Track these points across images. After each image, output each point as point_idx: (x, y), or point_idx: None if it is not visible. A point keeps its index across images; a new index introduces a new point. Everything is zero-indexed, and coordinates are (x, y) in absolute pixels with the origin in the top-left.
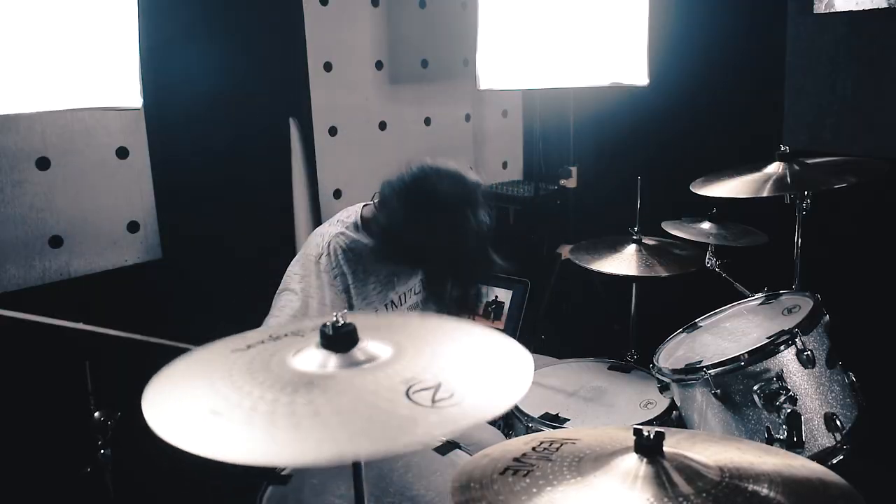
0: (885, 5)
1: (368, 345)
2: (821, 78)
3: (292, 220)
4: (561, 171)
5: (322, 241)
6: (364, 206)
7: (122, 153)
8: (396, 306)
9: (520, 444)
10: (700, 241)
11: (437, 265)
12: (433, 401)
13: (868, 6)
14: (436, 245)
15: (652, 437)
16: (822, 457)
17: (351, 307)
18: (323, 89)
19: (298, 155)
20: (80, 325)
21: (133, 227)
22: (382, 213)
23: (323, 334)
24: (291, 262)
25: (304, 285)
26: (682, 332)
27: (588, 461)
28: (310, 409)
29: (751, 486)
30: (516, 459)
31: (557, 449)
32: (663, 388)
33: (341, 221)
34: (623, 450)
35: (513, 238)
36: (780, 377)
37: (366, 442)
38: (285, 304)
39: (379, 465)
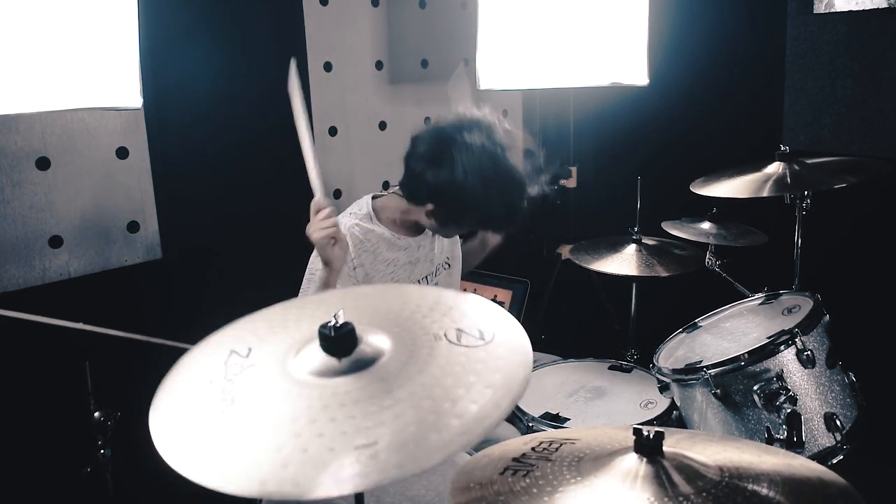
0: (885, 5)
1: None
2: (821, 78)
3: (292, 219)
4: (561, 171)
5: None
6: (373, 196)
7: (122, 153)
8: None
9: (519, 444)
10: (700, 241)
11: (455, 209)
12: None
13: (868, 6)
14: (454, 185)
15: (652, 436)
16: (822, 457)
17: None
18: (323, 89)
19: (299, 100)
20: (80, 325)
21: (133, 227)
22: (409, 154)
23: (322, 336)
24: (311, 258)
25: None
26: (682, 332)
27: (588, 461)
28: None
29: (751, 486)
30: (516, 460)
31: (557, 449)
32: (663, 388)
33: (354, 214)
34: (623, 450)
35: (513, 238)
36: (780, 377)
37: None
38: None
39: None
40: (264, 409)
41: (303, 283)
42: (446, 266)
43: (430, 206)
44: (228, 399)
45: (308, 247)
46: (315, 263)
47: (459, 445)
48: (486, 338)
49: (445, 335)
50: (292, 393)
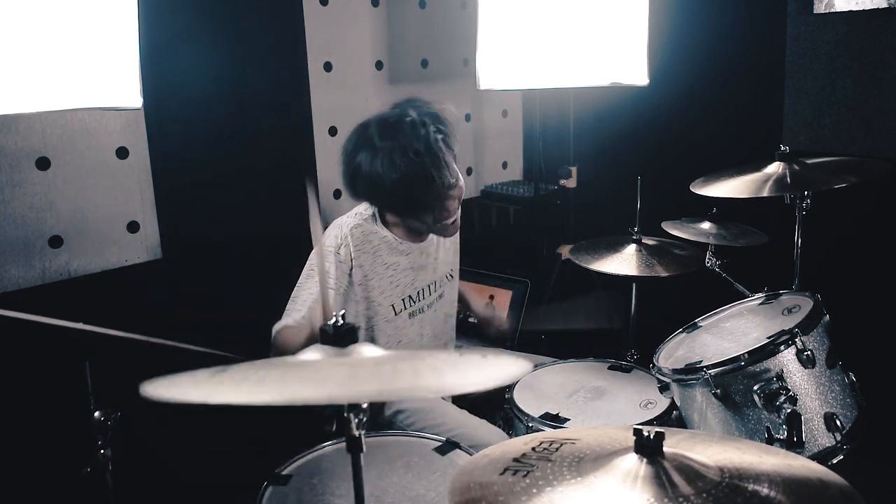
0: (885, 5)
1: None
2: (821, 78)
3: (292, 219)
4: (561, 171)
5: (340, 231)
6: None
7: (122, 153)
8: (415, 302)
9: (519, 444)
10: (700, 241)
11: (391, 194)
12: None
13: (868, 6)
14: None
15: (652, 437)
16: (822, 457)
17: (368, 300)
18: (323, 89)
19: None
20: (80, 325)
21: (133, 227)
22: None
23: (324, 333)
24: (310, 255)
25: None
26: (682, 332)
27: (588, 461)
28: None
29: (751, 486)
30: (516, 460)
31: (557, 449)
32: (663, 388)
33: (359, 214)
34: (623, 450)
35: (513, 238)
36: (780, 377)
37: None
38: (306, 297)
39: (379, 464)
40: (255, 370)
41: (300, 278)
42: (450, 277)
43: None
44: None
45: (307, 247)
46: (313, 260)
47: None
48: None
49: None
50: (284, 364)
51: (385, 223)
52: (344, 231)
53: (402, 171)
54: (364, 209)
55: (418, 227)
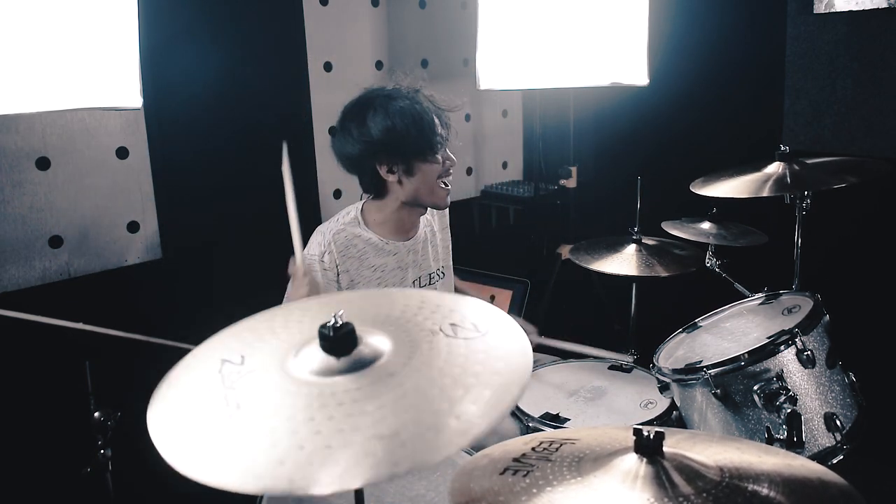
0: (885, 5)
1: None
2: (821, 78)
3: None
4: (561, 171)
5: (323, 239)
6: (364, 202)
7: (122, 153)
8: None
9: (519, 444)
10: (700, 241)
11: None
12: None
13: (868, 6)
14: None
15: (652, 437)
16: (822, 457)
17: None
18: (323, 89)
19: (289, 178)
20: (80, 325)
21: (133, 227)
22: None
23: (322, 337)
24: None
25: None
26: (682, 332)
27: (588, 461)
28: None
29: (751, 486)
30: (516, 460)
31: (557, 449)
32: (663, 388)
33: (340, 219)
34: (623, 450)
35: (513, 238)
36: (780, 377)
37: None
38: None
39: None
40: (267, 410)
41: (287, 287)
42: (441, 275)
43: (382, 172)
44: (234, 405)
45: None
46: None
47: (457, 445)
48: (482, 330)
49: (441, 329)
50: (292, 392)
51: (368, 224)
52: (327, 238)
53: (406, 111)
54: (345, 213)
55: (421, 196)
